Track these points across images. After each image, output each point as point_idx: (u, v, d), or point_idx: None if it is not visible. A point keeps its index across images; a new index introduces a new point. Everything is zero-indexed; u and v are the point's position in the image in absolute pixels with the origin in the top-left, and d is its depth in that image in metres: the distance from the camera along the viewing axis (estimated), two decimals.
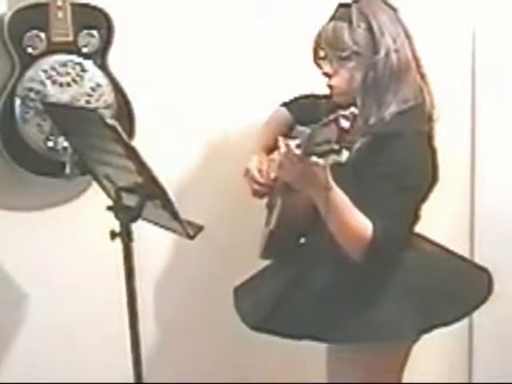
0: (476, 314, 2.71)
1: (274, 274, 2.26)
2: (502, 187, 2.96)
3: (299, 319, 2.08)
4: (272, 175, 2.19)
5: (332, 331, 2.04)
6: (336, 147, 1.67)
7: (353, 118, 1.67)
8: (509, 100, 2.91)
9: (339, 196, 1.94)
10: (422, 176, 2.05)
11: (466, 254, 2.95)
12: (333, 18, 2.09)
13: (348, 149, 1.68)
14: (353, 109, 1.68)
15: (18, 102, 2.30)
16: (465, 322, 2.81)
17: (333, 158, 1.71)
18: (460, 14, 2.90)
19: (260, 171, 2.23)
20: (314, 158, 1.77)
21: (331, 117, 1.69)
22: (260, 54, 2.65)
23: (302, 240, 2.24)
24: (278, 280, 2.20)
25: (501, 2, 2.88)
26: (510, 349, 2.99)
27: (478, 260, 2.91)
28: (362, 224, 1.96)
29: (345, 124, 1.65)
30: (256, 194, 2.26)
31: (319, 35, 2.13)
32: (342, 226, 1.97)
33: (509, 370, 2.95)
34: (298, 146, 1.84)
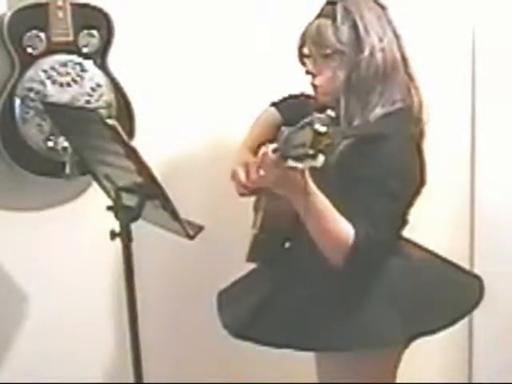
0: (476, 315, 2.73)
1: (258, 279, 2.20)
2: (502, 187, 2.96)
3: (282, 327, 2.01)
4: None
5: (316, 340, 1.98)
6: (311, 152, 1.58)
7: (330, 121, 1.59)
8: (509, 100, 2.91)
9: (320, 200, 1.88)
10: (408, 180, 1.98)
11: (466, 255, 2.95)
12: (319, 16, 2.05)
13: (324, 153, 1.59)
14: (329, 111, 1.61)
15: (17, 102, 2.30)
16: (465, 322, 2.82)
17: (309, 162, 1.62)
18: (460, 14, 2.90)
19: (246, 173, 2.19)
20: (291, 162, 1.68)
21: (307, 119, 1.61)
22: (260, 53, 2.65)
23: (287, 244, 2.17)
24: (261, 285, 2.14)
25: (501, 2, 2.88)
26: (509, 349, 2.99)
27: (477, 261, 2.92)
28: (344, 229, 1.90)
29: (320, 127, 1.57)
30: (242, 195, 2.18)
31: (304, 33, 2.08)
32: (323, 230, 1.91)
33: (509, 370, 2.94)
34: (275, 150, 1.76)
